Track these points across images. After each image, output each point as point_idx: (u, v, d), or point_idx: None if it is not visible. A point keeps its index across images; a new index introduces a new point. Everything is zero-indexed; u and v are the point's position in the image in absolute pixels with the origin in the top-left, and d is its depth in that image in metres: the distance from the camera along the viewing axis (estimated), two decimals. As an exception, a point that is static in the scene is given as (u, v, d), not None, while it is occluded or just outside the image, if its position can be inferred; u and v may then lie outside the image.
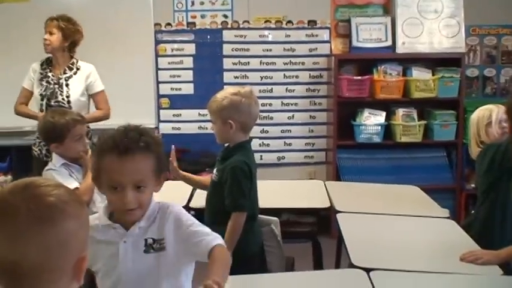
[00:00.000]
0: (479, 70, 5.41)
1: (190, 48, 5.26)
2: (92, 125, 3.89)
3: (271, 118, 5.27)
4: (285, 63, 5.28)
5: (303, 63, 5.29)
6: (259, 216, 2.84)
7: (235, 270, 2.42)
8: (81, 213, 1.17)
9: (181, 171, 2.89)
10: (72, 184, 2.72)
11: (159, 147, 1.83)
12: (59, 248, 1.09)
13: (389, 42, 5.10)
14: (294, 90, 5.29)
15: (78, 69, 3.94)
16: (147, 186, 1.77)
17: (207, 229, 1.85)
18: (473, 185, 5.09)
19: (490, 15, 5.33)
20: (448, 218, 3.03)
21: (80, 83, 3.92)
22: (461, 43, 5.11)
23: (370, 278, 2.17)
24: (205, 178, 2.94)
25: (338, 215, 2.98)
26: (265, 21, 5.25)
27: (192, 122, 5.24)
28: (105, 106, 3.99)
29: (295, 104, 5.30)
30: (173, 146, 2.84)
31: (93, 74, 3.96)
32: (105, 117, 3.95)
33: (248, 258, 2.67)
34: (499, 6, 5.33)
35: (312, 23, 5.27)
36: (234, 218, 2.61)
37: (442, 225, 2.92)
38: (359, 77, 4.99)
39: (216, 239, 1.82)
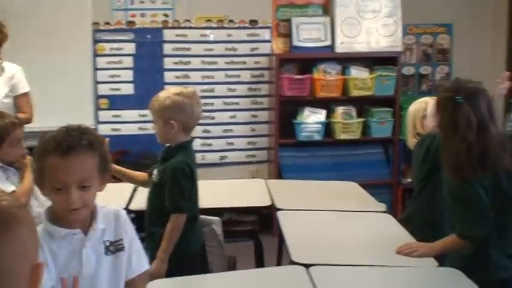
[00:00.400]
0: (415, 68, 5.56)
1: (130, 48, 5.20)
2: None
3: (213, 118, 5.28)
4: (227, 63, 5.29)
5: (244, 63, 5.31)
6: (201, 216, 2.85)
7: (176, 271, 2.44)
8: (31, 219, 1.12)
9: (115, 166, 2.81)
10: (9, 188, 2.67)
11: (102, 146, 1.83)
12: (15, 255, 1.03)
13: (328, 42, 5.18)
14: (235, 89, 5.31)
15: (2, 70, 3.79)
16: (91, 185, 1.76)
17: (141, 249, 1.91)
18: (409, 180, 5.24)
19: (426, 15, 5.49)
20: (384, 212, 3.11)
21: (3, 84, 3.77)
22: (398, 42, 5.24)
23: (309, 274, 2.22)
24: (140, 174, 2.90)
25: (279, 213, 3.01)
26: (207, 21, 5.25)
27: (132, 122, 5.18)
28: (28, 110, 3.80)
29: (237, 104, 5.33)
30: (107, 138, 2.81)
31: (17, 75, 3.78)
32: (27, 121, 3.68)
33: (189, 259, 2.68)
34: (434, 5, 5.49)
35: (253, 23, 5.30)
36: (174, 220, 2.61)
37: (379, 220, 3.00)
38: (299, 76, 5.06)
39: (145, 265, 1.90)
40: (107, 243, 1.82)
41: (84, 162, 1.74)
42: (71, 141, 1.73)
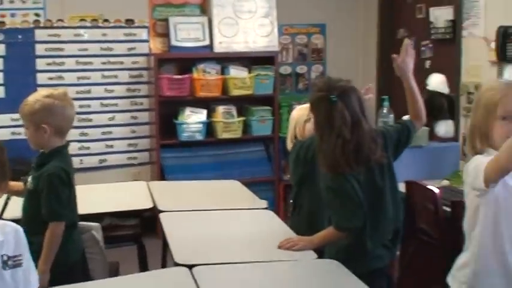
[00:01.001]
0: (292, 67, 5.71)
1: (0, 49, 4.94)
2: None
3: (91, 120, 5.13)
4: (103, 63, 5.16)
5: (121, 63, 5.20)
6: (80, 223, 2.77)
7: (56, 281, 2.35)
8: None
9: None
10: None
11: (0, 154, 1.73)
12: None
13: (207, 42, 5.20)
14: (113, 90, 5.20)
15: None
16: None
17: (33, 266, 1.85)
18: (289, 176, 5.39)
19: (301, 15, 5.65)
20: (266, 208, 3.17)
21: None
22: (275, 42, 5.36)
23: (192, 275, 2.22)
24: (15, 183, 2.76)
25: (161, 215, 2.99)
26: (81, 20, 5.09)
27: (4, 127, 4.91)
28: None
29: (115, 105, 5.21)
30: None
31: None
32: None
33: (69, 267, 2.60)
34: (308, 6, 5.66)
35: (129, 22, 5.21)
36: (52, 228, 2.52)
37: (261, 216, 3.06)
38: (179, 76, 5.04)
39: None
40: (5, 258, 1.73)
41: None
42: None
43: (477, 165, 2.01)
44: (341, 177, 2.47)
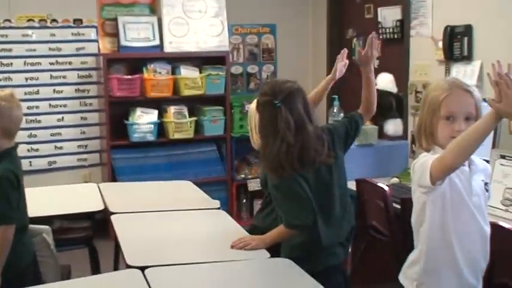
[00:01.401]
0: (243, 67, 5.72)
1: None
2: None
3: (39, 121, 5.03)
4: (51, 63, 5.07)
5: (70, 63, 5.12)
6: (30, 226, 2.72)
7: (8, 285, 2.31)
8: None
9: None
10: None
11: None
12: None
13: (157, 42, 5.16)
14: (62, 91, 5.11)
15: None
16: None
17: None
18: (243, 176, 5.41)
19: (251, 15, 5.67)
20: (218, 208, 3.17)
21: None
22: (225, 42, 5.36)
23: (145, 276, 2.20)
24: None
25: (112, 217, 2.96)
26: (28, 20, 4.99)
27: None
28: None
29: (65, 106, 5.12)
30: None
31: None
32: None
33: (20, 272, 2.57)
34: (258, 6, 5.68)
35: (78, 22, 5.13)
36: (2, 232, 2.48)
37: (213, 216, 3.06)
38: (129, 76, 4.98)
39: None
40: None
41: None
42: None
43: (423, 163, 2.05)
44: (287, 178, 2.49)
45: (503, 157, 3.12)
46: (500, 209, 3.01)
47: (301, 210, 2.49)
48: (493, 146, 3.26)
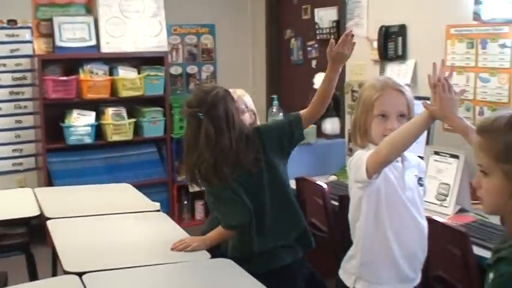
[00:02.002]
0: (183, 67, 5.70)
1: None
2: None
3: (-29, 125, 4.89)
4: (-16, 66, 4.93)
5: (4, 65, 4.99)
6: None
7: None
8: None
9: None
10: None
11: None
12: None
13: (93, 42, 5.08)
14: (-5, 94, 4.97)
15: None
16: None
17: None
18: (184, 177, 5.37)
19: (190, 16, 5.65)
20: (158, 210, 3.15)
21: None
22: (164, 42, 5.32)
23: (83, 282, 2.16)
24: None
25: (48, 222, 2.90)
26: (-40, 21, 4.84)
27: None
28: None
29: (-2, 109, 4.99)
30: None
31: None
32: None
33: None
34: (196, 6, 5.67)
35: (12, 22, 4.99)
36: None
37: (153, 219, 3.03)
38: (65, 78, 4.88)
39: None
40: None
41: None
42: None
43: (359, 159, 2.10)
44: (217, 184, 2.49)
45: (436, 153, 3.21)
46: (435, 204, 3.10)
47: (236, 211, 2.50)
48: (427, 142, 3.35)
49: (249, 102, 3.14)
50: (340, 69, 2.53)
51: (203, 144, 2.41)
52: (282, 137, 2.55)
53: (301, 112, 2.58)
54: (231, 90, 2.66)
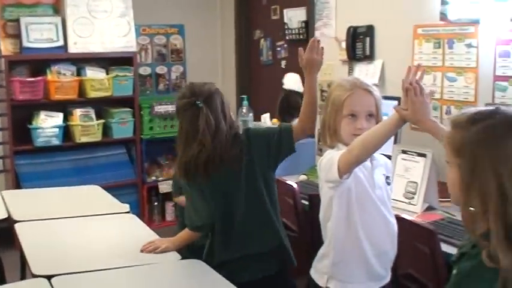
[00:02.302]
0: (152, 68, 5.67)
1: None
2: None
3: None
4: (-51, 68, 4.83)
5: (-30, 67, 4.91)
6: None
7: None
8: None
9: None
10: None
11: None
12: None
13: (61, 42, 5.01)
14: (-40, 95, 4.88)
15: None
16: None
17: None
18: (154, 178, 5.35)
19: (158, 16, 5.62)
20: (128, 212, 3.13)
21: None
22: (133, 42, 5.28)
23: (52, 285, 2.14)
24: None
25: (16, 225, 2.86)
26: None
27: None
28: None
29: (-37, 111, 4.90)
30: None
31: None
32: None
33: None
34: (165, 7, 5.64)
35: (-23, 23, 4.91)
36: None
37: (123, 221, 3.01)
38: (32, 79, 4.81)
39: None
40: None
41: None
42: None
43: (330, 158, 2.11)
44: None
45: (404, 152, 3.25)
46: (403, 202, 3.14)
47: (200, 212, 2.50)
48: (395, 141, 3.39)
49: None
50: (317, 76, 2.48)
51: (204, 132, 2.37)
52: (270, 144, 2.46)
53: (293, 123, 2.53)
54: None
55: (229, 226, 2.49)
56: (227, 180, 2.47)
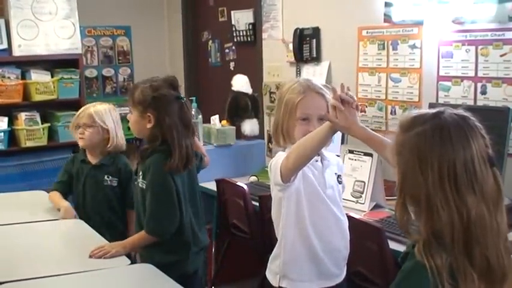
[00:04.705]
0: (98, 70, 5.58)
1: None
2: None
3: None
4: None
5: None
6: None
7: None
8: None
9: None
10: None
11: None
12: None
13: (5, 45, 4.89)
14: None
15: None
16: None
17: None
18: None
19: (104, 17, 5.54)
20: (76, 217, 3.07)
21: None
22: (78, 44, 5.18)
23: (-1, 293, 2.10)
24: None
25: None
26: None
27: None
28: None
29: None
30: None
31: None
32: None
33: None
34: (111, 8, 5.58)
35: None
36: None
37: (71, 226, 2.96)
38: (-25, 83, 4.69)
39: None
40: None
41: None
42: None
43: (276, 162, 2.14)
44: (169, 178, 2.50)
45: (351, 152, 3.31)
46: (351, 201, 3.19)
47: (168, 218, 2.50)
48: (342, 142, 3.45)
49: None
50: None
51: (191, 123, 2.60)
52: None
53: None
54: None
55: (197, 219, 2.67)
56: (192, 176, 2.63)
